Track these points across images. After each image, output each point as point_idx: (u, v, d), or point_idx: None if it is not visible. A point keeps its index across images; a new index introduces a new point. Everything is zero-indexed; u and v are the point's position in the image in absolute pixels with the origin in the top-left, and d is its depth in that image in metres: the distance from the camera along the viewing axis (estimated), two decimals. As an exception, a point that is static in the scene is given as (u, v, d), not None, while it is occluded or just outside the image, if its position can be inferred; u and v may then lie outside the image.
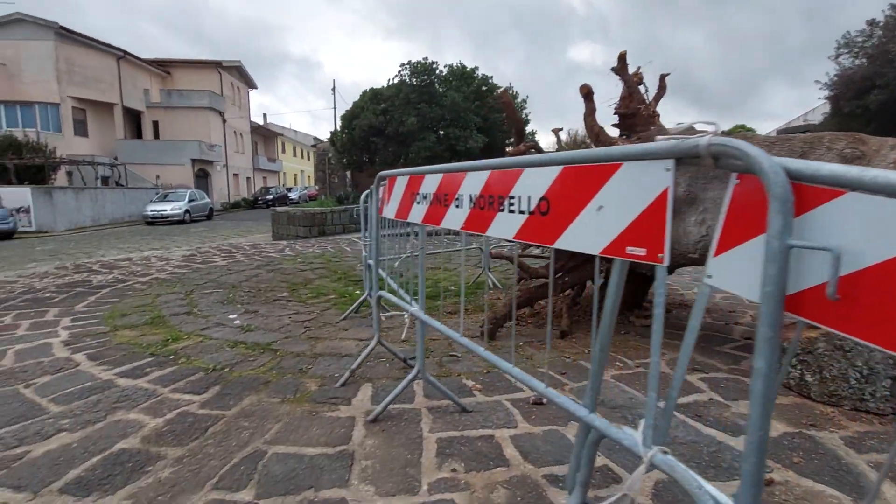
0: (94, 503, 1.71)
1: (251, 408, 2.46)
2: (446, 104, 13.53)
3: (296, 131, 55.26)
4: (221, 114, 30.95)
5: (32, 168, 19.65)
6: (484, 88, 15.17)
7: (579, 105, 4.31)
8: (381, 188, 2.83)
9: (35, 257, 9.59)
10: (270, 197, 33.86)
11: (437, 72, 14.53)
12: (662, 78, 4.71)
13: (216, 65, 31.40)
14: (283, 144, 47.36)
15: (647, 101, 4.33)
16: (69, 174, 23.32)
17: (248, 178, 37.25)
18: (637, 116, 4.29)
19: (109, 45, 25.75)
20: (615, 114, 4.50)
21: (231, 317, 4.28)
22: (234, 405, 2.49)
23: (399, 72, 15.37)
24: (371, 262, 3.51)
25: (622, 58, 4.37)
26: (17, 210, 16.69)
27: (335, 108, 31.99)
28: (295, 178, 51.37)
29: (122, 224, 20.55)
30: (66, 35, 23.55)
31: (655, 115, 4.29)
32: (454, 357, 3.25)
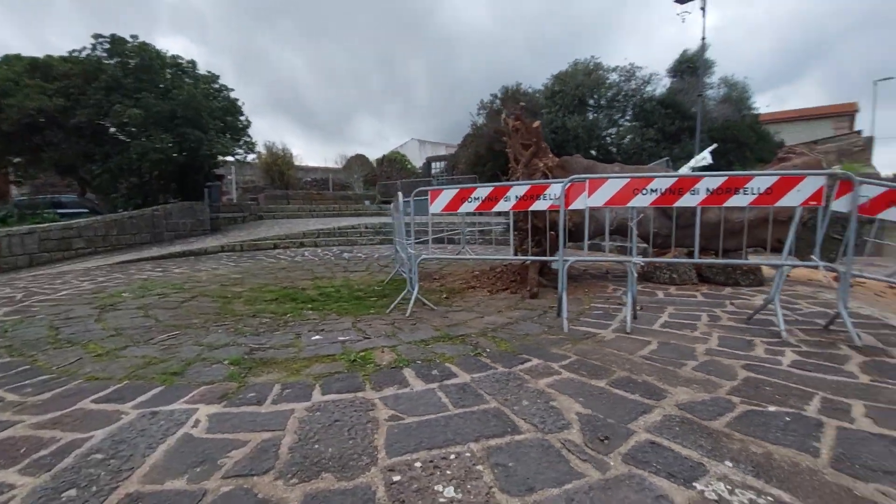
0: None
1: (559, 350, 3.19)
2: (181, 98, 10.95)
3: None
4: None
5: None
6: (215, 87, 13.05)
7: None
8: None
9: None
10: None
11: (146, 55, 11.32)
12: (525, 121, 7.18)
13: None
14: None
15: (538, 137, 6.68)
16: None
17: None
18: (538, 147, 6.57)
19: None
20: (523, 144, 6.62)
21: (315, 338, 3.66)
22: (530, 360, 3.12)
23: (94, 45, 10.97)
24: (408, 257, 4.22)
25: (524, 108, 6.57)
26: None
27: None
28: None
29: None
30: None
31: (546, 147, 6.70)
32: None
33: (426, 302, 4.80)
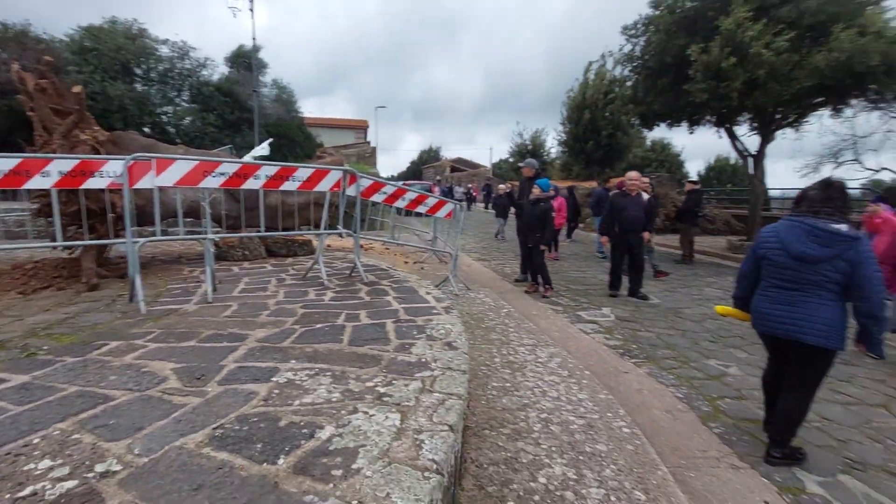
0: (257, 333, 3.18)
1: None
2: None
3: None
4: None
5: None
6: None
7: None
8: None
9: None
10: None
11: None
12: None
13: None
14: None
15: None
16: None
17: None
18: (81, 116, 5.43)
19: None
20: (55, 110, 5.29)
21: None
22: (108, 343, 3.17)
23: None
24: None
25: (52, 64, 5.32)
26: None
27: None
28: None
29: None
30: None
31: (91, 118, 5.58)
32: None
33: None
